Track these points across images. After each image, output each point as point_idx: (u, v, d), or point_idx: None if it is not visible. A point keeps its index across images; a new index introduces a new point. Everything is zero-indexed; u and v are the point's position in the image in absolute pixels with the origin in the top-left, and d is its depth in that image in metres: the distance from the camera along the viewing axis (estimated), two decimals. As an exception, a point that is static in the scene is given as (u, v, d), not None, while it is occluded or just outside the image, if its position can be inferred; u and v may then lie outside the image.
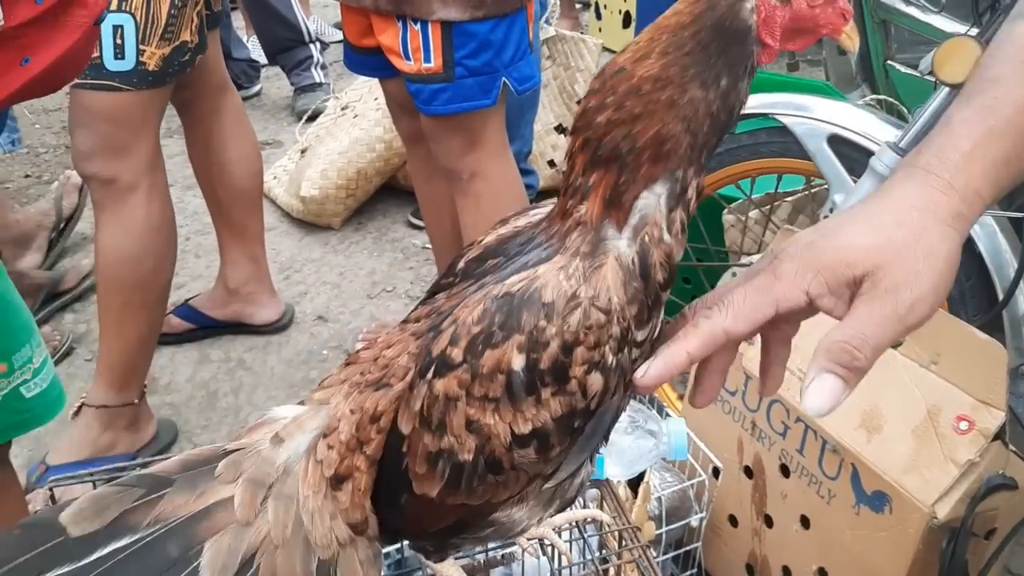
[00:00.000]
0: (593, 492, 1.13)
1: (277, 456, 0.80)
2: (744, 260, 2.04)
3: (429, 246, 3.05)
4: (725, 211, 2.19)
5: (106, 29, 1.81)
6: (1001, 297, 1.70)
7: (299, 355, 2.58)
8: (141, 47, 1.85)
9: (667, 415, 1.68)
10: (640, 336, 0.72)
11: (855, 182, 1.81)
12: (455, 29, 1.83)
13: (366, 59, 2.07)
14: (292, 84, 4.28)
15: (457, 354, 0.73)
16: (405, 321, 0.83)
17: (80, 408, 2.11)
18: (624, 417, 1.16)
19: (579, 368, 0.70)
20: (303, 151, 3.36)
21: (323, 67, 4.27)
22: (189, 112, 2.38)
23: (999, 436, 1.39)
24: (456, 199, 2.12)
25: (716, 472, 1.79)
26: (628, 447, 1.21)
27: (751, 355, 1.69)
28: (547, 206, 0.78)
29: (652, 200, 0.70)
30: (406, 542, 1.02)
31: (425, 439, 0.76)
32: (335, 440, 0.80)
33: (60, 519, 0.75)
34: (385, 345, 0.82)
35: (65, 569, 0.73)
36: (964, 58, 1.59)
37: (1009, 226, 1.74)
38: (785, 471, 1.64)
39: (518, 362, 0.70)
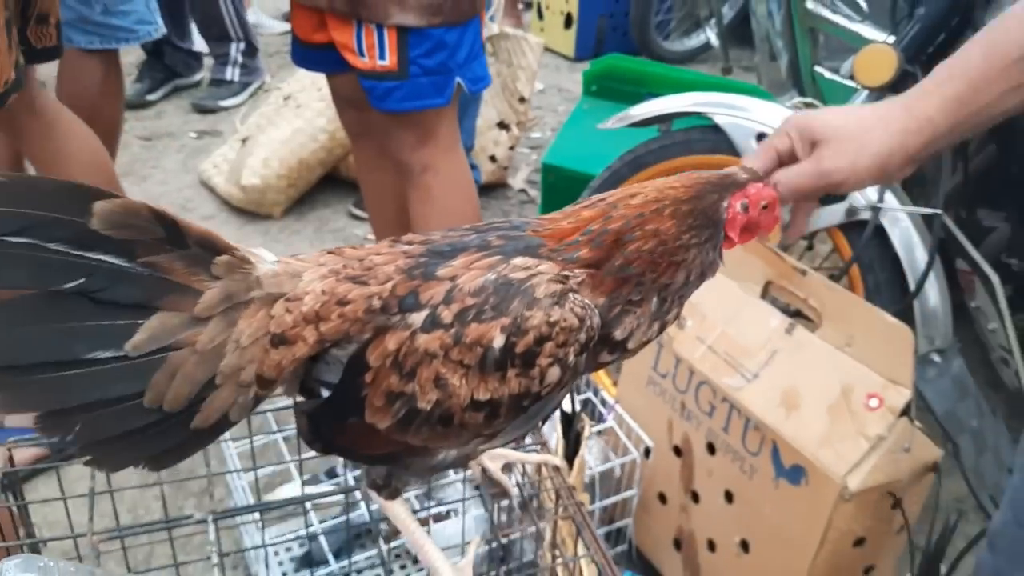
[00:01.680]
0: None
1: (249, 287, 0.87)
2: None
3: (371, 237, 3.09)
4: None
5: None
6: (912, 288, 1.82)
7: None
8: None
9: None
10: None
11: (781, 178, 1.91)
12: (411, 30, 1.87)
13: (315, 54, 2.09)
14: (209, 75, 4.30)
15: (447, 316, 0.83)
16: (396, 241, 0.91)
17: None
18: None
19: (545, 359, 0.82)
20: (243, 140, 3.37)
21: (242, 66, 4.24)
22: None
23: (906, 412, 1.50)
24: (408, 191, 2.16)
25: (647, 452, 1.88)
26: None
27: (680, 339, 1.78)
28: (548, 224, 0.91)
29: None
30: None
31: (391, 379, 0.85)
32: (295, 308, 0.87)
33: (95, 207, 0.78)
34: (374, 251, 0.90)
35: (60, 248, 0.77)
36: (881, 63, 1.71)
37: (921, 223, 1.85)
38: (711, 449, 1.74)
39: (498, 341, 0.82)
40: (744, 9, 4.00)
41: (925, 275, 1.79)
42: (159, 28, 2.71)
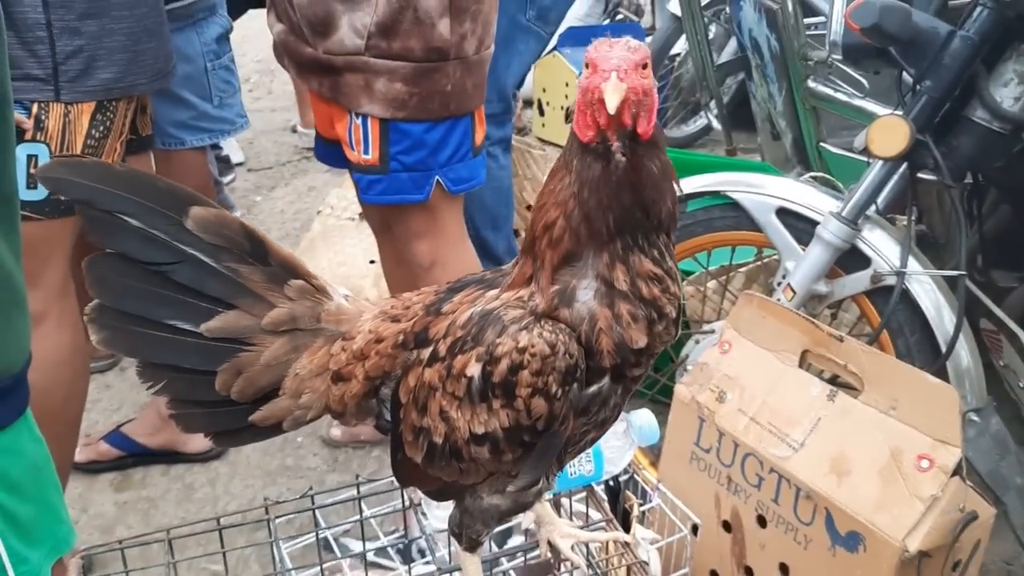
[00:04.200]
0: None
1: (316, 316, 0.97)
2: (705, 328, 2.17)
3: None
4: (684, 283, 2.33)
5: (20, 158, 1.80)
6: (944, 350, 1.85)
7: (274, 443, 2.60)
8: None
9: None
10: (591, 390, 0.86)
11: (803, 250, 1.96)
12: (391, 126, 1.96)
13: (333, 150, 2.19)
14: None
15: (443, 349, 0.89)
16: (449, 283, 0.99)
17: None
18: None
19: (524, 390, 0.83)
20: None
21: None
22: None
23: (957, 472, 1.51)
24: (419, 287, 2.20)
25: (695, 529, 1.87)
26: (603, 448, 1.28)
27: (722, 413, 1.79)
28: None
29: (587, 296, 0.83)
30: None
31: (413, 414, 0.91)
32: (348, 346, 0.96)
33: (191, 210, 0.90)
34: (417, 291, 0.99)
35: (159, 235, 0.90)
36: (895, 134, 1.77)
37: (945, 285, 1.90)
38: (762, 521, 1.73)
39: (473, 369, 0.85)
40: (739, 94, 4.13)
41: (955, 336, 1.82)
42: (248, 121, 2.83)
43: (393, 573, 1.72)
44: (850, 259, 1.93)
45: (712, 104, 3.77)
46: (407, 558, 1.73)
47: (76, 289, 2.16)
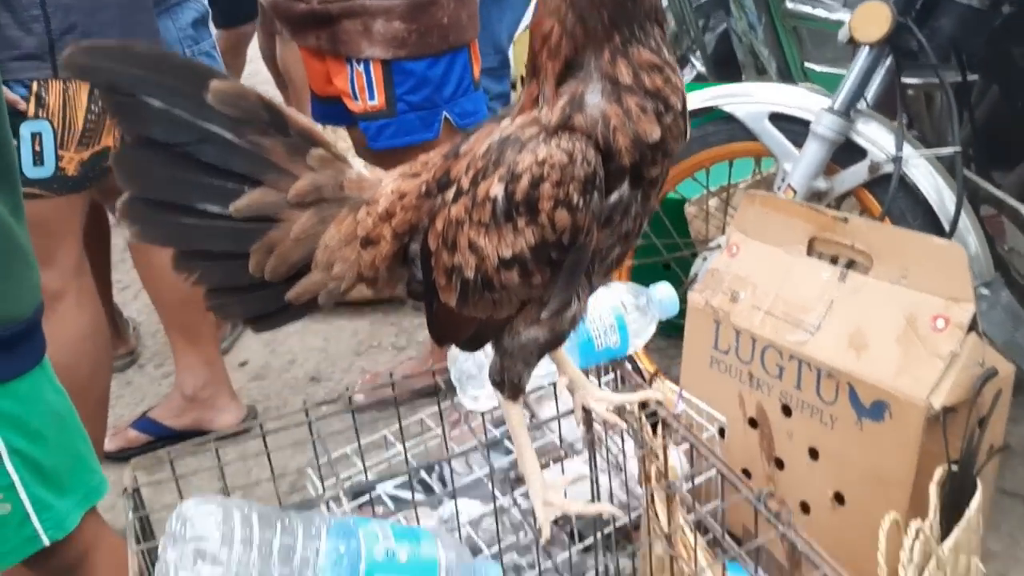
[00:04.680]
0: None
1: (339, 184, 0.99)
2: (711, 245, 2.20)
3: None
4: (687, 204, 2.36)
5: (24, 136, 1.84)
6: (948, 229, 1.87)
7: (299, 414, 2.62)
8: (60, 152, 1.88)
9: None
10: (612, 198, 0.89)
11: (799, 152, 1.99)
12: (394, 67, 1.99)
13: (329, 108, 2.22)
14: None
15: (465, 183, 0.91)
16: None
17: None
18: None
19: (546, 203, 0.86)
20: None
21: None
22: None
23: (973, 328, 1.53)
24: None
25: (722, 432, 1.90)
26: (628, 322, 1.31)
27: (736, 311, 1.82)
28: None
29: (595, 99, 0.85)
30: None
31: (443, 256, 0.93)
32: (373, 210, 0.99)
33: (211, 84, 0.91)
34: (436, 149, 1.01)
35: (183, 114, 0.91)
36: (877, 18, 1.81)
37: (943, 169, 1.92)
38: (787, 411, 1.76)
39: (497, 189, 0.87)
40: (719, 49, 4.17)
41: (957, 212, 1.84)
42: None
43: (432, 497, 1.75)
44: (846, 154, 1.96)
45: (696, 53, 3.81)
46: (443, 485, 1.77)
47: (91, 269, 2.20)
